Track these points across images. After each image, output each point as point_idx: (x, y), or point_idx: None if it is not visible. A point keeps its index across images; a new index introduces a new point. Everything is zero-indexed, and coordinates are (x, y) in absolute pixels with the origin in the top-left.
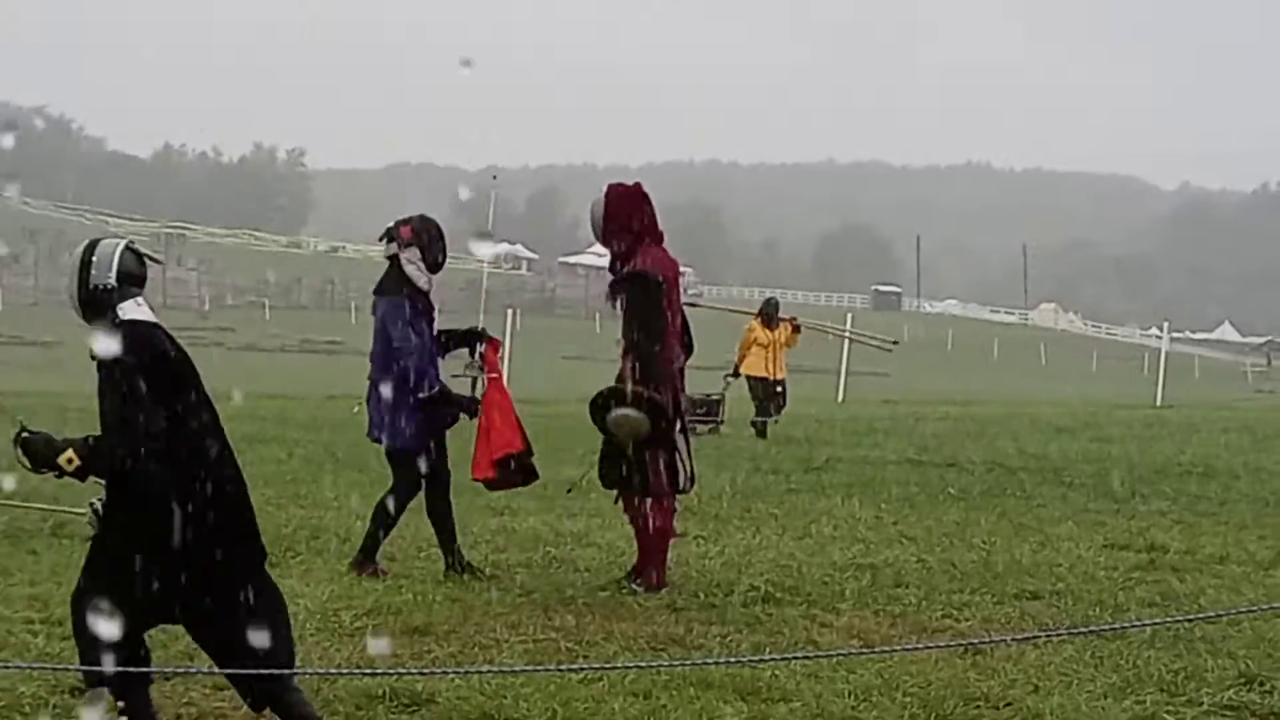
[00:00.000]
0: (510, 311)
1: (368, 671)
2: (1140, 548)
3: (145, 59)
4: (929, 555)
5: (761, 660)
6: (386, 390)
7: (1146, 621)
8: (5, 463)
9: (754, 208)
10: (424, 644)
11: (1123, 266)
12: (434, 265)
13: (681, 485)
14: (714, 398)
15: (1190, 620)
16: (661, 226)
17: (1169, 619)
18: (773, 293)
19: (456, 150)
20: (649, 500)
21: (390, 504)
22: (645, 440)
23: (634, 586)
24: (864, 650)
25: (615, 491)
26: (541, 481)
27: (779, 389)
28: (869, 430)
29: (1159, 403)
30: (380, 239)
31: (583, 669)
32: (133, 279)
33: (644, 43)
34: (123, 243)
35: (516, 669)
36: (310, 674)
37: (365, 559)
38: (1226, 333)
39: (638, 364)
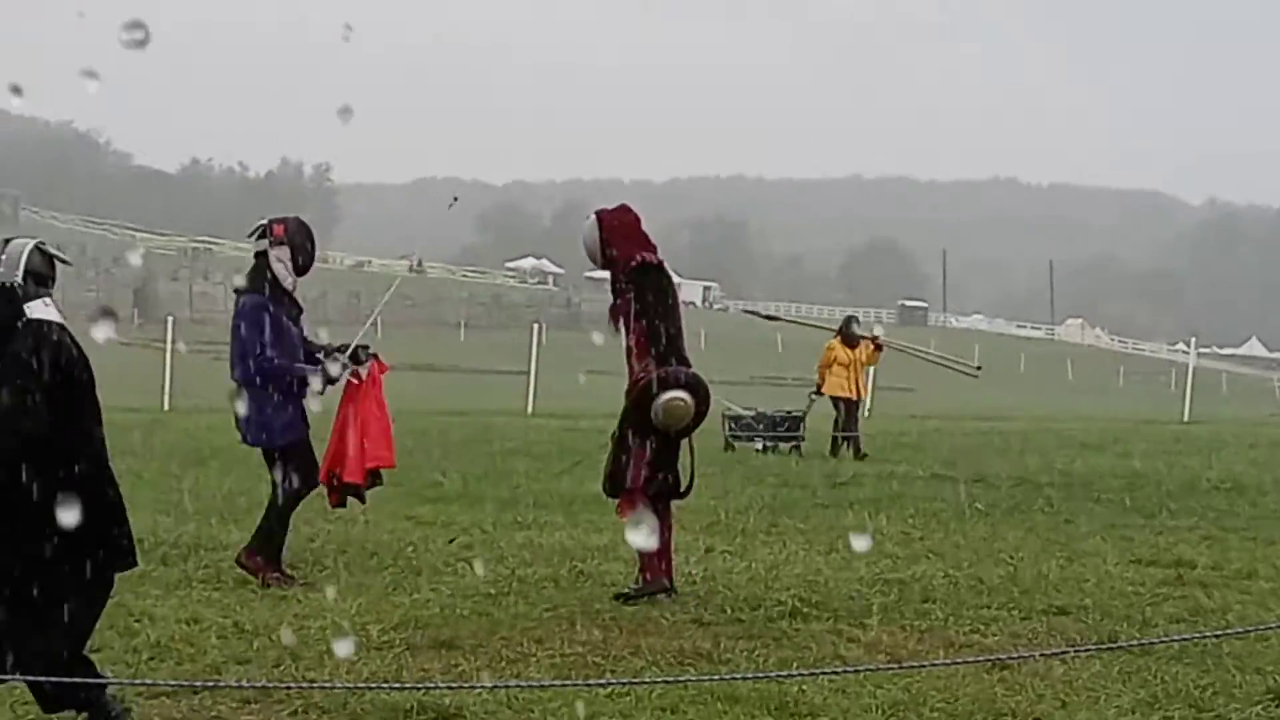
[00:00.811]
0: (536, 326)
1: (396, 685)
2: (1168, 563)
3: (174, 74)
4: (956, 570)
5: (789, 675)
6: (252, 390)
7: (1174, 637)
8: None
9: (779, 222)
10: (452, 658)
11: (1149, 282)
12: (302, 268)
13: (668, 488)
14: (796, 414)
15: (1218, 636)
16: (655, 240)
17: (1196, 634)
18: (799, 307)
19: (482, 165)
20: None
21: (280, 505)
22: (688, 427)
23: (630, 586)
24: (891, 665)
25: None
26: (568, 496)
27: (859, 409)
28: (895, 445)
29: (1186, 418)
30: (250, 234)
31: (610, 683)
32: (40, 278)
33: (669, 57)
34: (32, 242)
35: (544, 683)
36: (338, 688)
37: (269, 565)
38: (1254, 348)
39: (664, 353)
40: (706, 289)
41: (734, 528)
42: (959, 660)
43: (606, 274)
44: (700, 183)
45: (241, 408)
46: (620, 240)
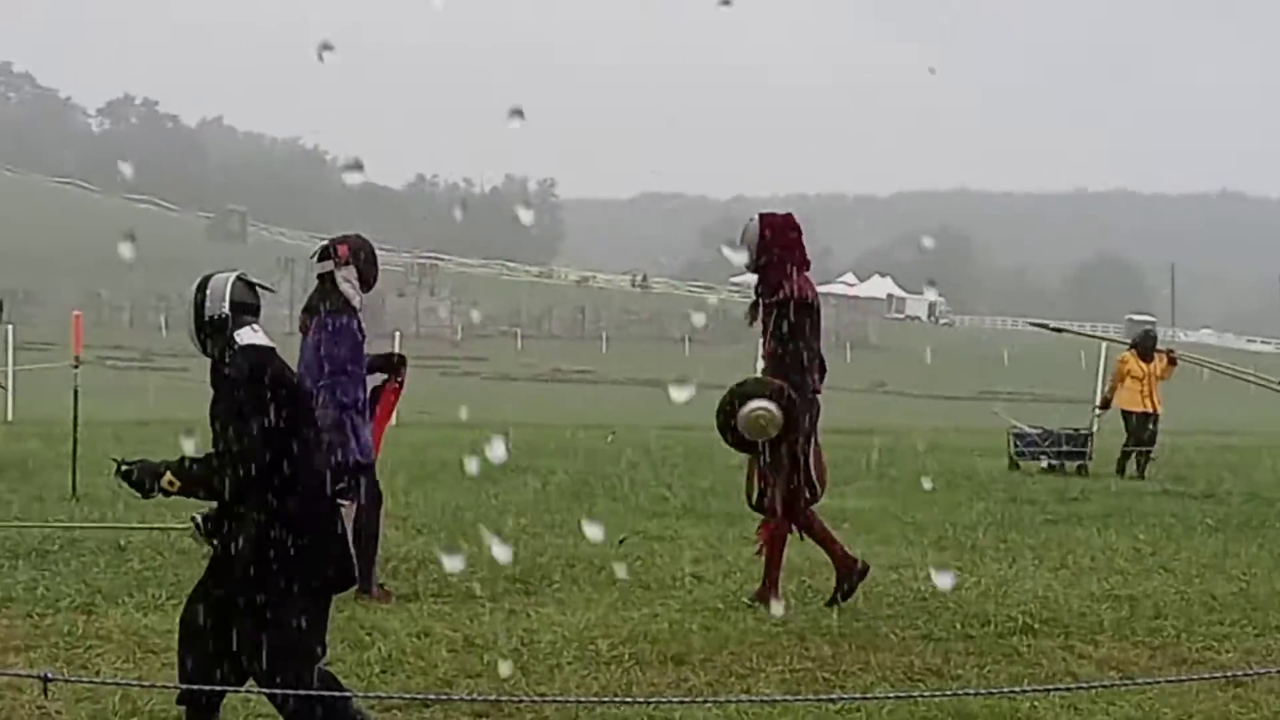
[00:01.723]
0: (760, 340)
1: (626, 700)
2: None
3: (398, 93)
4: (1187, 587)
5: (1020, 691)
6: (333, 409)
7: None
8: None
9: (1003, 236)
10: (681, 672)
11: None
12: (367, 284)
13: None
14: (1083, 432)
15: None
16: (809, 255)
17: None
18: (1024, 322)
19: (705, 180)
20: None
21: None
22: (775, 441)
23: (751, 601)
24: (1123, 682)
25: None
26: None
27: (1152, 424)
28: None
29: None
30: (312, 256)
31: (840, 699)
32: (246, 308)
33: (885, 77)
34: (234, 274)
35: (774, 698)
36: (569, 702)
37: (367, 584)
38: None
39: (788, 379)
40: (932, 304)
41: (963, 543)
42: (1192, 677)
43: (829, 289)
44: (924, 197)
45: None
46: (776, 250)
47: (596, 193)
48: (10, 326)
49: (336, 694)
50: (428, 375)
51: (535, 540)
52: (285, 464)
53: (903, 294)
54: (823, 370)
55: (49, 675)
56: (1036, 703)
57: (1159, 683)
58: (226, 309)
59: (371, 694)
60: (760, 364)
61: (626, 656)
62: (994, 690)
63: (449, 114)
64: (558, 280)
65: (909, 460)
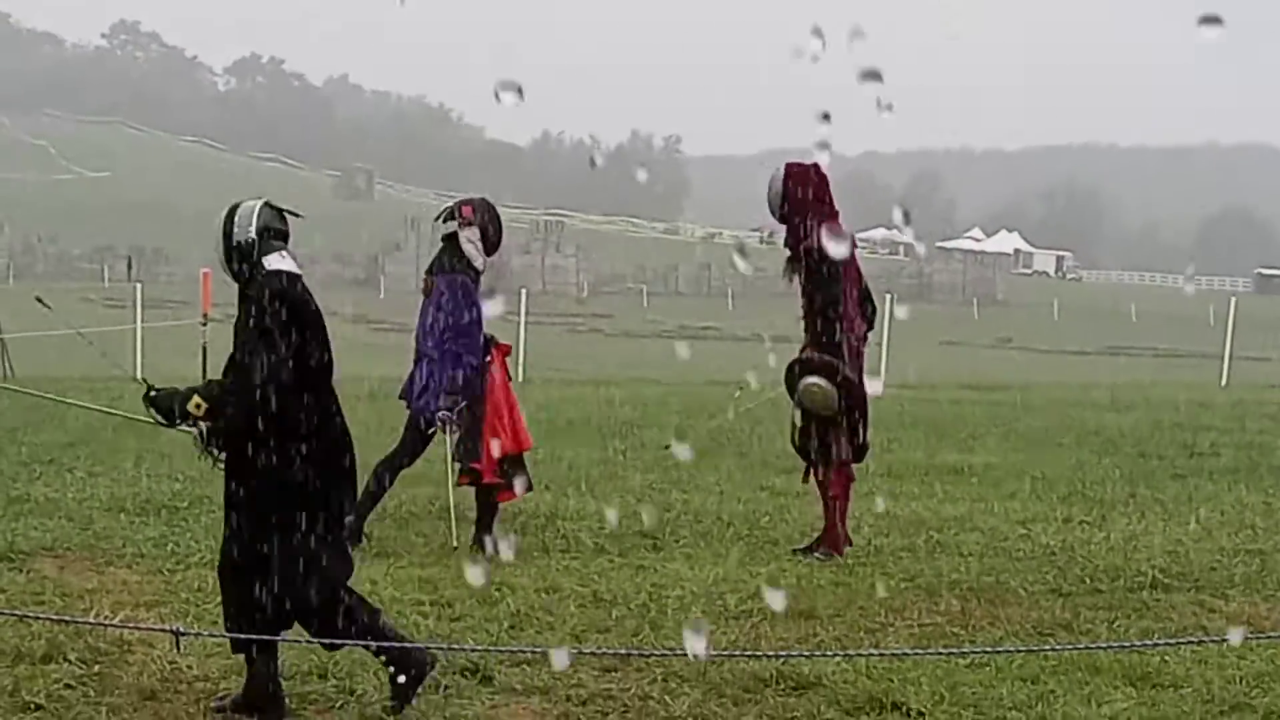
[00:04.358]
0: (888, 295)
1: (755, 654)
2: None
3: (523, 53)
4: None
5: (1150, 645)
6: (435, 363)
7: None
8: None
9: (1133, 191)
10: (809, 627)
11: None
12: (492, 247)
13: (856, 456)
14: None
15: None
16: (838, 205)
17: None
18: (1154, 276)
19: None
20: (828, 469)
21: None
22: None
23: (817, 557)
24: (1256, 635)
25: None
26: (923, 465)
27: None
28: (1254, 415)
29: None
30: (438, 218)
31: (969, 653)
32: (274, 233)
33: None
34: (262, 200)
35: (903, 652)
36: (697, 657)
37: (484, 537)
38: None
39: (820, 334)
40: (1060, 259)
41: (1091, 498)
42: None
43: (956, 244)
44: (1053, 151)
45: (426, 376)
46: (800, 203)
47: (722, 149)
48: (139, 284)
49: (367, 613)
50: (554, 332)
51: (662, 496)
52: (301, 389)
53: (1030, 249)
54: (869, 317)
55: (180, 630)
56: (1167, 657)
57: None
58: (254, 234)
59: (501, 648)
60: (889, 323)
61: (755, 611)
62: (1123, 644)
63: (574, 71)
64: (684, 237)
65: (1037, 415)
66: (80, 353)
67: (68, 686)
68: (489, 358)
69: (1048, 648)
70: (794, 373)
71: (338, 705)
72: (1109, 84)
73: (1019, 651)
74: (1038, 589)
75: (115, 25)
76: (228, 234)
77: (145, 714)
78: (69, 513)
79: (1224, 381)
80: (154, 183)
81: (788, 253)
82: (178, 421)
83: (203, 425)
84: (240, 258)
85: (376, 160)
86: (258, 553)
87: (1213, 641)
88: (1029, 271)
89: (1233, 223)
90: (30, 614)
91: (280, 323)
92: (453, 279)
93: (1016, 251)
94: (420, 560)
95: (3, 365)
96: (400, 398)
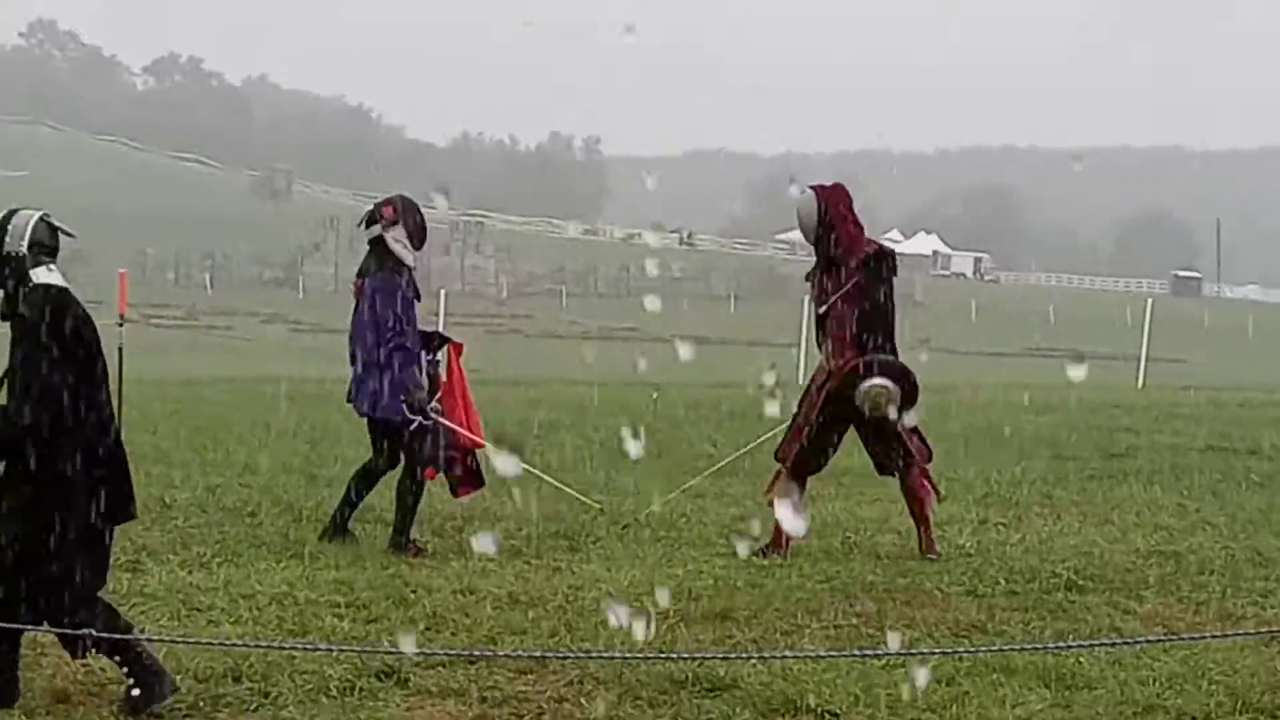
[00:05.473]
0: (806, 298)
1: (670, 655)
2: None
3: (441, 49)
4: (1233, 543)
5: (1065, 647)
6: (375, 367)
7: None
8: None
9: (1051, 193)
10: (726, 629)
11: None
12: (417, 242)
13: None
14: None
15: None
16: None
17: None
18: (1071, 278)
19: (752, 137)
20: (911, 472)
21: (408, 481)
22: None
23: (930, 557)
24: (1169, 637)
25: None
26: (840, 468)
27: None
28: (1169, 417)
29: None
30: (360, 224)
31: (885, 654)
32: (44, 248)
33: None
34: (38, 213)
35: (819, 654)
36: (614, 658)
37: (404, 541)
38: None
39: (877, 337)
40: (978, 260)
41: (1007, 499)
42: (1237, 633)
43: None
44: (970, 153)
45: (367, 379)
46: (839, 221)
47: (642, 150)
48: None
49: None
50: (473, 333)
51: (581, 498)
52: (79, 401)
53: (948, 251)
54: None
55: (92, 633)
56: (1081, 658)
57: (1204, 638)
58: (24, 248)
59: (416, 651)
60: (806, 324)
61: (671, 613)
62: (1038, 646)
63: (494, 69)
64: (602, 238)
65: (954, 417)
66: None
67: None
68: (441, 356)
69: (962, 649)
70: (857, 375)
71: (251, 708)
72: (1028, 86)
73: (934, 653)
74: (953, 590)
75: (33, 24)
76: None
77: (58, 717)
78: None
79: (1140, 384)
80: (72, 183)
81: (817, 275)
82: None
83: None
84: (8, 269)
85: (295, 160)
86: (23, 546)
87: (1127, 643)
88: (947, 273)
89: (1150, 225)
90: None
91: (59, 339)
92: (382, 280)
93: (935, 253)
94: (335, 562)
95: None
96: (348, 401)
